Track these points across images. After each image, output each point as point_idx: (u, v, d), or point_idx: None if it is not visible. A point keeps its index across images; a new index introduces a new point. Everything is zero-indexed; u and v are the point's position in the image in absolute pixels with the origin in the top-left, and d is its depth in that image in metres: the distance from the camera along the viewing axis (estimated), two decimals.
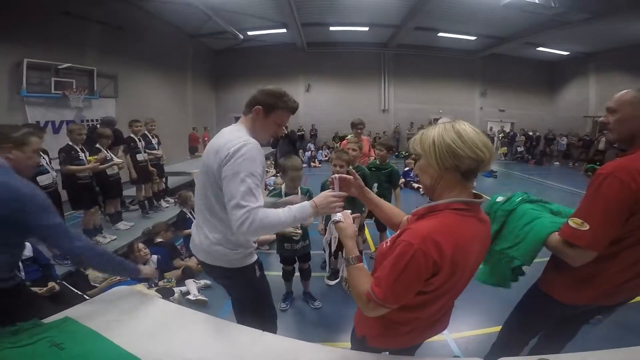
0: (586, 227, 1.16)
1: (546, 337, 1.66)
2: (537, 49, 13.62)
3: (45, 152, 3.38)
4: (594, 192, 1.19)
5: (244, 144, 1.34)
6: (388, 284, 0.94)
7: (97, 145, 4.05)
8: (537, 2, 7.90)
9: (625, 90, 1.30)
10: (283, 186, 2.66)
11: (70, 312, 1.68)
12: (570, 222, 1.21)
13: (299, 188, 2.69)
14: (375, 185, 3.43)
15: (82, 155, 3.75)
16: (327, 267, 2.94)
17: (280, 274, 3.01)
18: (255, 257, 1.64)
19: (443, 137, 0.95)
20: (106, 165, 3.92)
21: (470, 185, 1.01)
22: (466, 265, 0.98)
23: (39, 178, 3.13)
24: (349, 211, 1.29)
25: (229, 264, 1.57)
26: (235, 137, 1.39)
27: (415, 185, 7.87)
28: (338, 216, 1.24)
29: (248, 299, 1.73)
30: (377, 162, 3.64)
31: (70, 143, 3.72)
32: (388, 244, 1.04)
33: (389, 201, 3.55)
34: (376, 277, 0.99)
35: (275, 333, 1.86)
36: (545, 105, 16.58)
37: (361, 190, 1.39)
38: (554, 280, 1.43)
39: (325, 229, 2.53)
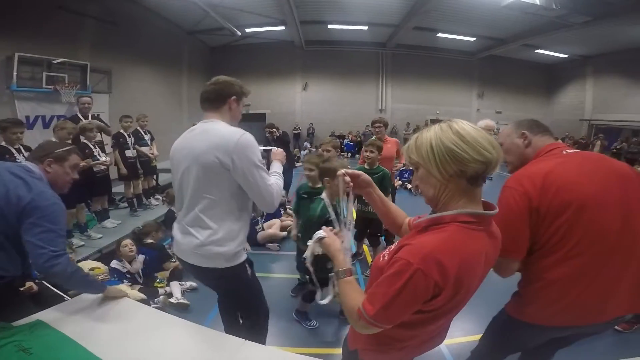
0: None
1: (530, 353, 1.61)
2: (536, 51, 13.65)
3: (28, 149, 3.27)
4: (498, 204, 1.24)
5: (243, 136, 1.46)
6: (381, 304, 0.85)
7: (85, 141, 3.94)
8: (538, 3, 7.86)
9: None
10: (325, 197, 2.17)
11: (43, 314, 1.61)
12: None
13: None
14: None
15: None
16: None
17: (283, 275, 2.93)
18: (244, 256, 1.65)
19: (442, 141, 0.83)
20: (92, 163, 3.82)
21: (479, 192, 0.89)
22: (471, 284, 0.89)
23: None
24: (330, 228, 1.20)
25: (220, 264, 1.56)
26: (228, 131, 1.48)
27: (409, 185, 7.78)
28: (321, 233, 1.17)
29: (241, 297, 1.75)
30: (366, 167, 3.22)
31: (53, 139, 3.60)
32: (386, 258, 0.95)
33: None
34: (370, 294, 0.90)
35: (266, 334, 1.87)
36: (542, 107, 16.63)
37: (368, 188, 1.22)
38: (517, 302, 1.43)
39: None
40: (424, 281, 0.80)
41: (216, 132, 1.49)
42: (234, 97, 1.61)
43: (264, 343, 1.87)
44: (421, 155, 0.87)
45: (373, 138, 3.71)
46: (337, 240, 1.14)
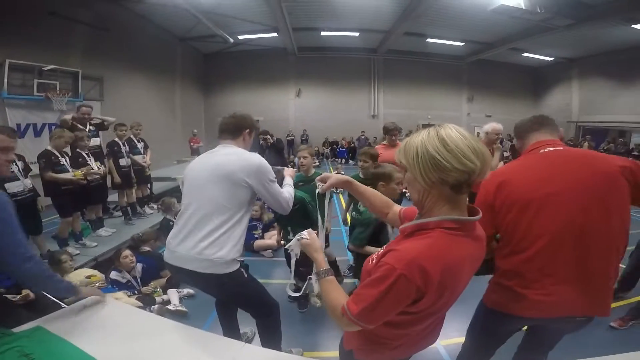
0: None
1: (523, 349, 1.66)
2: (522, 54, 13.96)
3: (21, 158, 3.25)
4: None
5: (261, 160, 1.82)
6: (365, 304, 0.88)
7: (78, 150, 3.93)
8: (523, 7, 8.06)
9: None
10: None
11: (43, 321, 1.61)
12: None
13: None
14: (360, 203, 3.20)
15: (62, 160, 3.62)
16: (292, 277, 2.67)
17: (280, 281, 3.03)
18: (239, 264, 1.80)
19: (426, 147, 0.83)
20: (91, 172, 3.81)
21: (464, 199, 0.90)
22: (456, 287, 0.93)
23: (7, 185, 3.02)
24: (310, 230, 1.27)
25: (218, 270, 1.69)
26: (250, 156, 1.83)
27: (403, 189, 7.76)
28: (302, 234, 1.23)
29: (245, 298, 1.92)
30: (361, 175, 3.11)
31: (49, 148, 3.58)
32: (374, 261, 0.98)
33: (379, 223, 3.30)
34: (355, 294, 0.94)
35: (280, 326, 1.99)
36: (530, 110, 16.91)
37: (347, 183, 1.36)
38: (487, 289, 1.53)
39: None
40: (407, 286, 0.82)
41: (241, 155, 1.83)
42: (247, 130, 1.96)
43: (280, 337, 2.01)
44: (408, 160, 0.89)
45: (367, 146, 3.66)
46: (316, 241, 1.18)
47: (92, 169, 3.90)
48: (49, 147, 3.58)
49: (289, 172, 2.20)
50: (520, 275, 1.32)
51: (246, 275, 1.85)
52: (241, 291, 1.86)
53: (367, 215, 2.25)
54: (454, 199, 0.88)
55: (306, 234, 1.22)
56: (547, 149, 1.42)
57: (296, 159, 12.58)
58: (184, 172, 1.97)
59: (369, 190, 1.36)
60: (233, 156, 1.82)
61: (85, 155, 3.97)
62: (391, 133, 3.72)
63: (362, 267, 1.06)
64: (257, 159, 1.83)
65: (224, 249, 1.69)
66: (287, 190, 1.98)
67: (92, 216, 4.21)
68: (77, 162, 3.83)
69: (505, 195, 1.34)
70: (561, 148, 1.42)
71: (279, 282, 3.48)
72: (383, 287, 0.84)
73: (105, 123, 4.94)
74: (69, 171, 3.62)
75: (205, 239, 1.69)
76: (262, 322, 1.97)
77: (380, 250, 1.01)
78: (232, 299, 2.01)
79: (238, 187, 1.76)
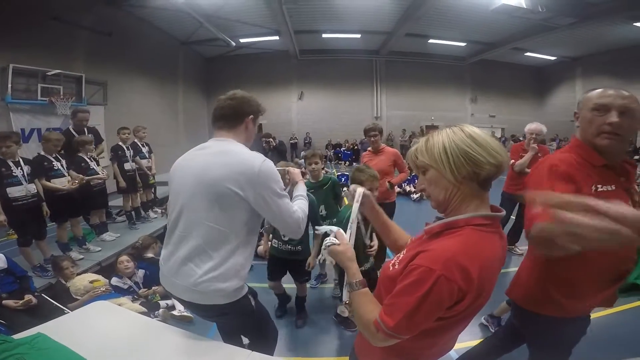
0: None
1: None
2: (525, 54, 13.93)
3: (27, 162, 3.22)
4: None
5: (265, 163, 1.36)
6: (402, 314, 0.82)
7: (81, 154, 3.90)
8: (525, 7, 8.04)
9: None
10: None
11: (44, 327, 1.58)
12: None
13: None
14: (322, 207, 2.90)
15: (57, 164, 3.51)
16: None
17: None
18: (247, 289, 1.51)
19: (456, 143, 0.83)
20: (89, 177, 3.78)
21: (488, 196, 0.89)
22: (491, 287, 0.88)
23: (9, 190, 2.98)
24: (339, 229, 1.13)
25: (219, 301, 1.39)
26: (251, 158, 1.36)
27: (407, 188, 7.57)
28: (332, 239, 1.09)
29: (246, 329, 1.68)
30: (311, 181, 2.92)
31: (42, 153, 3.50)
32: (396, 266, 0.92)
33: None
34: (387, 305, 0.86)
35: (274, 347, 1.80)
36: (534, 110, 16.88)
37: (374, 210, 1.25)
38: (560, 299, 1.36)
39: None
40: (448, 287, 0.78)
41: (235, 156, 1.36)
42: (251, 116, 1.50)
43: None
44: (433, 158, 0.87)
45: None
46: (349, 249, 1.08)
47: (94, 173, 3.86)
48: (42, 152, 3.52)
49: (298, 177, 1.71)
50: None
51: (253, 304, 1.54)
52: (243, 321, 1.59)
53: None
54: (481, 195, 0.87)
55: (336, 239, 1.09)
56: None
57: (300, 161, 12.47)
58: (170, 172, 1.51)
59: (390, 222, 1.27)
60: (223, 157, 1.37)
61: (88, 160, 3.95)
62: (368, 134, 3.39)
63: (381, 273, 0.99)
64: (258, 160, 1.35)
65: (226, 282, 1.36)
66: (300, 206, 1.49)
67: (95, 221, 4.18)
68: (80, 167, 3.80)
69: None
70: None
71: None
72: (421, 292, 0.78)
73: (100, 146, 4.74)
74: (65, 175, 3.56)
75: (203, 275, 1.35)
76: (255, 345, 1.72)
77: (402, 254, 0.95)
78: (233, 328, 1.73)
79: (230, 201, 1.33)
